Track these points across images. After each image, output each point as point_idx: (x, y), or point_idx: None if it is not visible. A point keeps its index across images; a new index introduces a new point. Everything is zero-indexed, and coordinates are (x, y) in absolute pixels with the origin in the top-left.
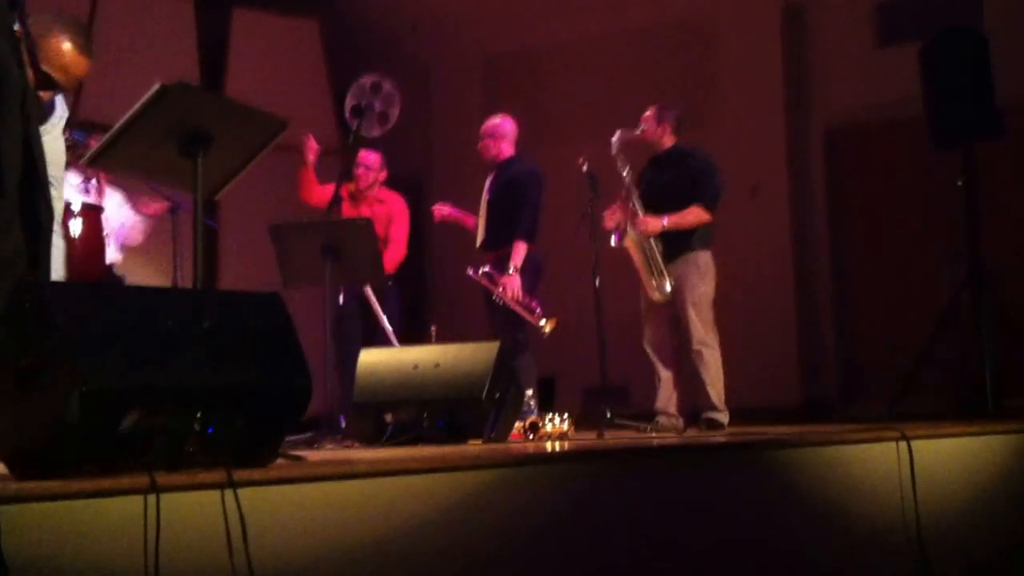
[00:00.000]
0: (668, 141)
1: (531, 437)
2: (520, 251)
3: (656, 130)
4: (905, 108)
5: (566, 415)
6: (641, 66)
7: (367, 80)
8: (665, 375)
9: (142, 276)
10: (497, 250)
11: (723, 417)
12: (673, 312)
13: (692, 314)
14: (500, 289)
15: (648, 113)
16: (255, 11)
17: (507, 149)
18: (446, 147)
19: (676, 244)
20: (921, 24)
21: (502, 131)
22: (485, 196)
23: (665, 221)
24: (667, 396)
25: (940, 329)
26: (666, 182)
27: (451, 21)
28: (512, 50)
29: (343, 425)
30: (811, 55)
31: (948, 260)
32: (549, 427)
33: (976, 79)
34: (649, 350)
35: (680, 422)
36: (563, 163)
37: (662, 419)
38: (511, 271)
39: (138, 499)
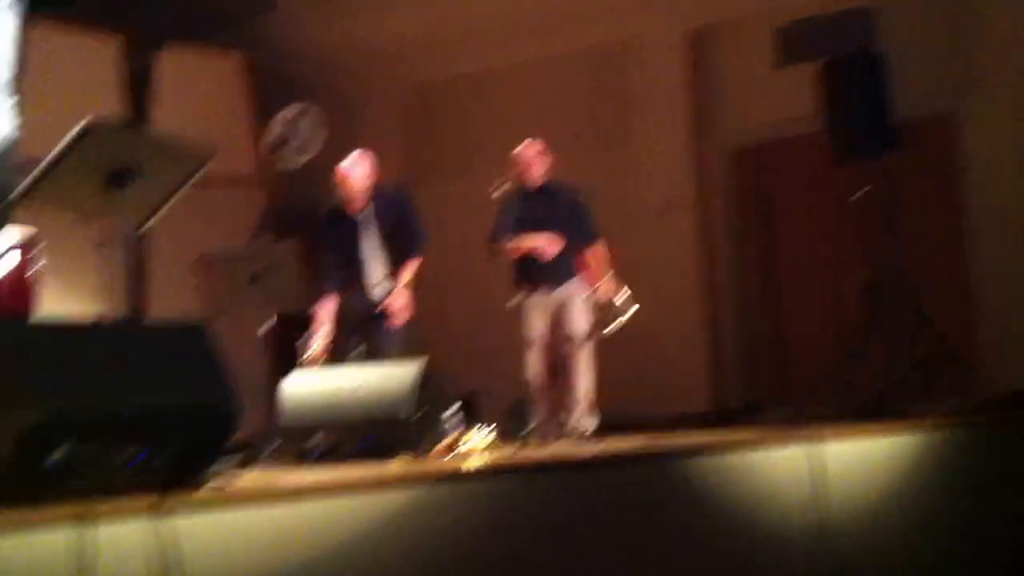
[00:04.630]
0: (547, 174)
1: (455, 453)
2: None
3: (541, 163)
4: (806, 126)
5: (489, 430)
6: (557, 92)
7: (290, 111)
8: (543, 380)
9: (71, 309)
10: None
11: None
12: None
13: (582, 326)
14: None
15: (533, 147)
16: (182, 46)
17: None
18: None
19: (567, 273)
20: (819, 44)
21: (370, 168)
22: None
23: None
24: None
25: (845, 337)
26: (549, 212)
27: (375, 53)
28: (433, 80)
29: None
30: (715, 77)
31: (851, 270)
32: (472, 443)
33: (872, 97)
34: (540, 368)
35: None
36: (481, 186)
37: (562, 429)
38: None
39: (70, 530)
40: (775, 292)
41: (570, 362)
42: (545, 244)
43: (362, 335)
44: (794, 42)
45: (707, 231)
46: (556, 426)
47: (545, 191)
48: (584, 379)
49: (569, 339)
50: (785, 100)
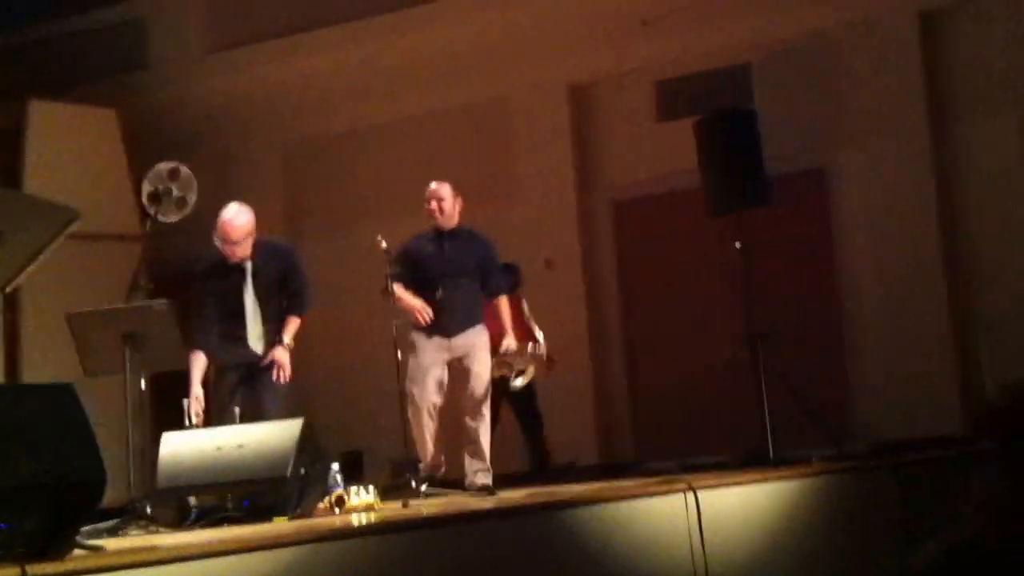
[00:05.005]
0: (457, 219)
1: (338, 511)
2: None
3: (453, 205)
4: (684, 179)
5: (371, 487)
6: (436, 147)
7: (164, 166)
8: (434, 430)
9: None
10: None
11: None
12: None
13: (485, 379)
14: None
15: (443, 188)
16: (52, 101)
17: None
18: None
19: (470, 315)
20: (697, 100)
21: (251, 219)
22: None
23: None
24: (439, 452)
25: (722, 386)
26: (458, 258)
27: (248, 110)
28: (310, 136)
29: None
30: (597, 131)
31: (727, 320)
32: (355, 500)
33: (747, 151)
34: (426, 409)
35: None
36: (362, 242)
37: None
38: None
39: None
40: (659, 344)
41: (472, 416)
42: (419, 309)
43: (244, 390)
44: (673, 98)
45: (593, 283)
46: (440, 480)
47: (457, 234)
48: (485, 434)
49: (472, 393)
50: (666, 154)
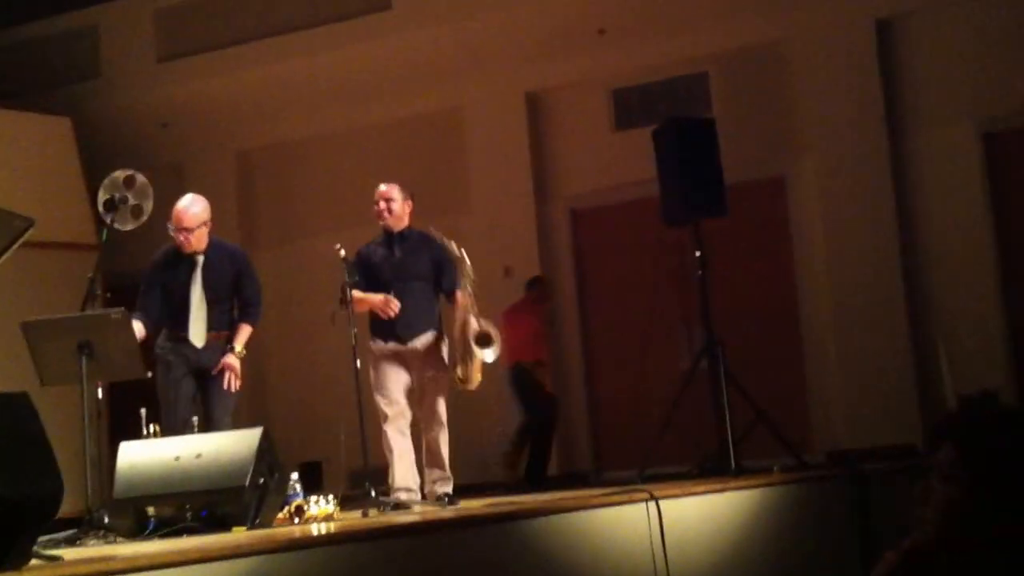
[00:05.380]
0: (408, 221)
1: (297, 521)
2: (247, 333)
3: (403, 207)
4: (642, 188)
5: (331, 497)
6: (392, 157)
7: (120, 174)
8: (407, 450)
9: None
10: (220, 331)
11: (449, 489)
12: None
13: (442, 387)
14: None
15: (392, 189)
16: (5, 108)
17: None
18: None
19: (424, 320)
20: (654, 109)
21: (205, 210)
22: (199, 282)
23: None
24: (408, 470)
25: (681, 396)
26: (410, 261)
27: (202, 119)
28: (264, 145)
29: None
30: (553, 140)
31: (687, 330)
32: (315, 510)
33: (704, 161)
34: (394, 424)
35: (418, 495)
36: (317, 252)
37: (406, 495)
38: (239, 351)
39: None
40: (617, 353)
41: (428, 424)
42: (383, 305)
43: (196, 390)
44: (630, 107)
45: (551, 291)
46: (403, 490)
47: (407, 237)
48: (443, 442)
49: (427, 400)
50: (623, 163)
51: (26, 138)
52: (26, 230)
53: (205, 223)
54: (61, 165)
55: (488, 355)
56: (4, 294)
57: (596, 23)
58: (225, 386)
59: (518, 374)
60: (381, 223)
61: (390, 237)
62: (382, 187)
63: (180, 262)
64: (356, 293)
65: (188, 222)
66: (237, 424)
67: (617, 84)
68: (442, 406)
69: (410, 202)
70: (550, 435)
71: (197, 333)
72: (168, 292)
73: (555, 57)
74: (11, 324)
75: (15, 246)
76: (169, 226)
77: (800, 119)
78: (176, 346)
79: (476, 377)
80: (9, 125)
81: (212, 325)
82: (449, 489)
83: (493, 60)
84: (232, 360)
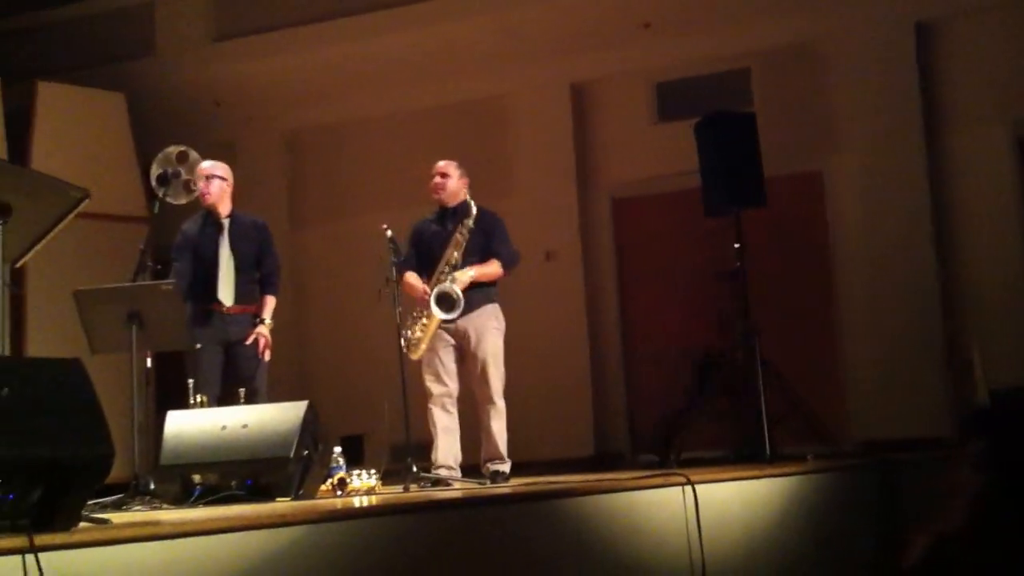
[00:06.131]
0: (462, 195)
1: (339, 493)
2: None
3: (458, 183)
4: (682, 179)
5: (373, 471)
6: (438, 141)
7: (173, 150)
8: (450, 427)
9: None
10: (246, 304)
11: (507, 468)
12: (460, 364)
13: (492, 366)
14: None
15: (450, 165)
16: (60, 83)
17: (230, 188)
18: None
19: (475, 296)
20: (696, 102)
21: (229, 175)
22: (227, 244)
23: (472, 272)
24: (450, 447)
25: (718, 383)
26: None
27: (253, 98)
28: (313, 125)
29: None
30: (597, 130)
31: (724, 319)
32: (357, 483)
33: (745, 154)
34: (439, 401)
35: (458, 473)
36: (363, 231)
37: (446, 472)
38: (268, 323)
39: None
40: (655, 339)
41: (482, 402)
42: (420, 297)
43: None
44: (673, 100)
45: (592, 279)
46: (444, 467)
47: (459, 212)
48: (497, 421)
49: (481, 379)
50: (664, 155)
51: (81, 112)
52: (81, 200)
53: (222, 178)
54: (114, 139)
55: (442, 315)
56: (57, 264)
57: (642, 17)
58: (258, 356)
59: None
60: (436, 197)
61: (444, 212)
62: (440, 163)
63: (208, 226)
64: (406, 277)
65: (205, 171)
66: (280, 397)
67: (661, 77)
68: (496, 384)
69: (466, 179)
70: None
71: (227, 294)
72: (198, 257)
73: (601, 49)
74: (61, 293)
75: (71, 216)
76: (194, 188)
77: (839, 116)
78: (204, 320)
79: (423, 345)
80: (66, 99)
81: (239, 296)
82: (500, 468)
83: (540, 50)
84: (264, 330)
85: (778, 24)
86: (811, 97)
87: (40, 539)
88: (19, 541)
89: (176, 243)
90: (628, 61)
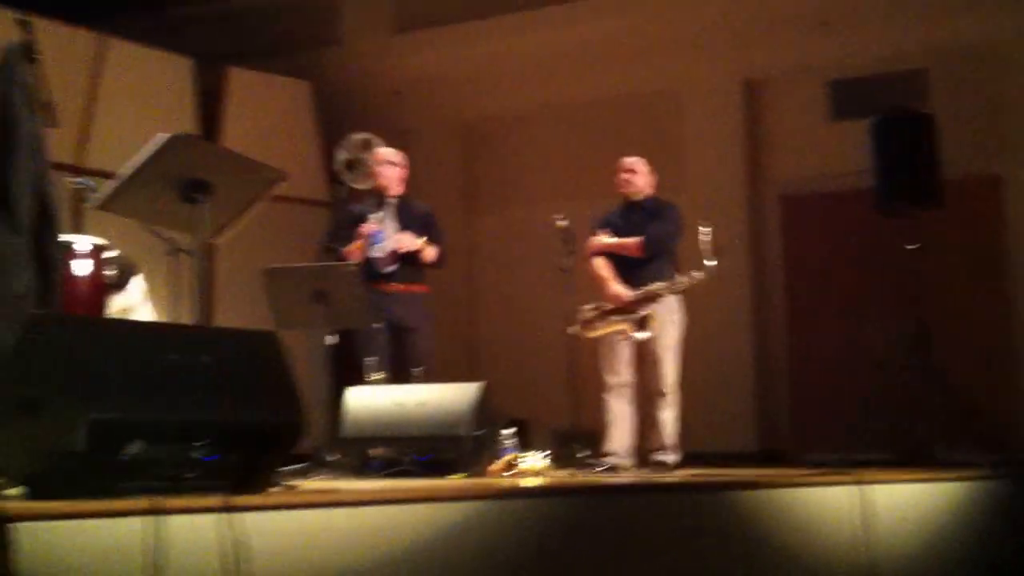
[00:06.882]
0: (649, 192)
1: (509, 474)
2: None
3: (646, 179)
4: (854, 179)
5: (544, 454)
6: (609, 133)
7: (359, 137)
8: (624, 414)
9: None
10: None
11: (676, 459)
12: (637, 353)
13: (668, 358)
14: None
15: (638, 163)
16: (250, 71)
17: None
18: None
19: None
20: (871, 101)
21: (404, 162)
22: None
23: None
24: (623, 438)
25: (886, 385)
26: (640, 229)
27: (432, 88)
28: (488, 115)
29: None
30: (769, 126)
31: (894, 320)
32: (528, 464)
33: (920, 155)
34: (614, 391)
35: (629, 463)
36: (535, 220)
37: (616, 460)
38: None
39: (141, 520)
40: (822, 338)
41: (657, 393)
42: (614, 295)
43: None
44: (847, 98)
45: (759, 275)
46: (613, 456)
47: (643, 205)
48: (668, 412)
49: (655, 369)
50: (837, 153)
51: (269, 98)
52: (278, 182)
53: (395, 164)
54: (299, 125)
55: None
56: (243, 242)
57: (820, 14)
58: (425, 338)
59: None
60: (622, 192)
61: (629, 205)
62: (629, 160)
63: (378, 203)
64: (597, 263)
65: (383, 157)
66: (450, 378)
67: (835, 75)
68: (671, 376)
69: (655, 178)
70: None
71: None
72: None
73: (776, 45)
74: (248, 271)
75: (266, 196)
76: (373, 171)
77: (1020, 120)
78: (375, 300)
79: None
80: (254, 85)
81: (405, 276)
82: (668, 458)
83: (714, 45)
84: (408, 239)
85: (958, 24)
86: (990, 100)
87: (235, 500)
88: (216, 501)
89: (341, 220)
90: (803, 58)
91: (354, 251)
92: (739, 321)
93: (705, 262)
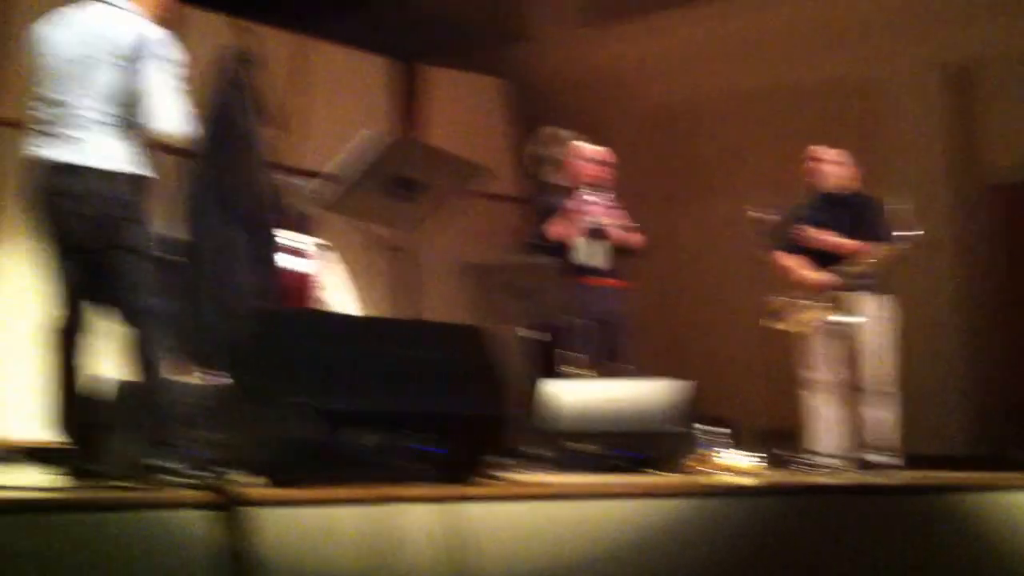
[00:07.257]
0: (843, 183)
1: (719, 471)
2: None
3: (838, 169)
4: None
5: (753, 453)
6: (801, 121)
7: (549, 131)
8: (828, 417)
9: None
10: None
11: (891, 460)
12: (850, 350)
13: (880, 355)
14: None
15: (827, 152)
16: (445, 71)
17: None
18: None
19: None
20: None
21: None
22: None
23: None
24: (832, 438)
25: None
26: (834, 224)
27: (618, 81)
28: (677, 105)
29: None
30: (975, 114)
31: None
32: (735, 463)
33: None
34: (821, 389)
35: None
36: (729, 210)
37: (821, 460)
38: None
39: (372, 508)
40: None
41: (866, 391)
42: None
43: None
44: None
45: (966, 269)
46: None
47: (836, 199)
48: (874, 412)
49: (860, 367)
50: None
51: (461, 96)
52: (485, 178)
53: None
54: (490, 122)
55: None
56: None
57: None
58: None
59: None
60: (809, 181)
61: (820, 198)
62: (815, 148)
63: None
64: (779, 258)
65: (585, 154)
66: (650, 374)
67: None
68: (883, 374)
69: (851, 169)
70: None
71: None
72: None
73: (981, 28)
74: (443, 265)
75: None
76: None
77: None
78: (579, 294)
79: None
80: (447, 84)
81: (612, 271)
82: (877, 459)
83: (915, 29)
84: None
85: None
86: None
87: (463, 489)
88: (445, 489)
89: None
90: (1011, 39)
91: (563, 230)
92: (949, 318)
93: (906, 233)
